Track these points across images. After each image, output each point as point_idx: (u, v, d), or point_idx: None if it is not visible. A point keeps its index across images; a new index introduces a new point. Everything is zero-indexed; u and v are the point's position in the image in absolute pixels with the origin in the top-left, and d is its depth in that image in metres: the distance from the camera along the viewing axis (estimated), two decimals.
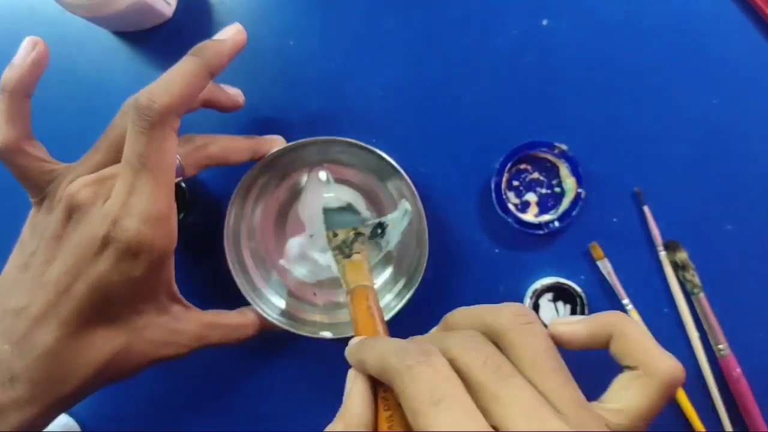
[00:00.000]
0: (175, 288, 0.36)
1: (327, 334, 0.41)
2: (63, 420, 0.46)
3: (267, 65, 0.45)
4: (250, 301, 0.41)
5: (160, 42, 0.45)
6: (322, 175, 0.43)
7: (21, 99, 0.35)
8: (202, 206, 0.45)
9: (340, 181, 0.43)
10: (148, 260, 0.31)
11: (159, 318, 0.35)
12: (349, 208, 0.42)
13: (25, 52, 0.35)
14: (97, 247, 0.31)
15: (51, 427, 0.44)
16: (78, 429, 0.46)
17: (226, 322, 0.39)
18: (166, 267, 0.34)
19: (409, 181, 0.40)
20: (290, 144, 0.41)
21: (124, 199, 0.31)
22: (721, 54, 0.43)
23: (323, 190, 0.44)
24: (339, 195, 0.43)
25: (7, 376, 0.31)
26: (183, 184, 0.41)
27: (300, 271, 0.44)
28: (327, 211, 0.42)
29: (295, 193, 0.44)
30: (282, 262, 0.44)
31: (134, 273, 0.31)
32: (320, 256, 0.44)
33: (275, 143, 0.42)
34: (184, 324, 0.36)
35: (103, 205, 0.32)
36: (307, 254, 0.44)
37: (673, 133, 0.43)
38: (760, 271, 0.44)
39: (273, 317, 0.41)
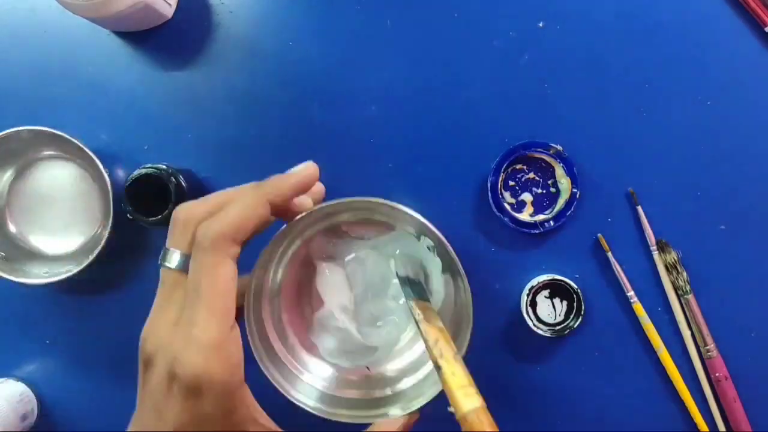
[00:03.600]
0: (265, 420, 0.32)
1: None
2: (19, 389, 0.46)
3: (267, 65, 0.45)
4: (284, 392, 0.36)
5: (160, 42, 0.45)
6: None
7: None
8: None
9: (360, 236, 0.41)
10: (214, 395, 0.28)
11: None
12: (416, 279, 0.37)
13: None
14: (165, 387, 0.29)
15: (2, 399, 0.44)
16: (34, 399, 0.46)
17: None
18: (239, 401, 0.30)
19: (444, 239, 0.36)
20: (323, 205, 0.35)
21: (185, 331, 0.29)
22: (714, 56, 0.44)
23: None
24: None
25: None
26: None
27: (329, 347, 0.40)
28: (410, 281, 0.37)
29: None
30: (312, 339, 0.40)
31: (205, 409, 0.29)
32: (351, 325, 0.39)
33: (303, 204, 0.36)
34: None
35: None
36: (338, 327, 0.39)
37: (667, 135, 0.44)
38: (753, 270, 0.44)
39: (309, 405, 0.37)
